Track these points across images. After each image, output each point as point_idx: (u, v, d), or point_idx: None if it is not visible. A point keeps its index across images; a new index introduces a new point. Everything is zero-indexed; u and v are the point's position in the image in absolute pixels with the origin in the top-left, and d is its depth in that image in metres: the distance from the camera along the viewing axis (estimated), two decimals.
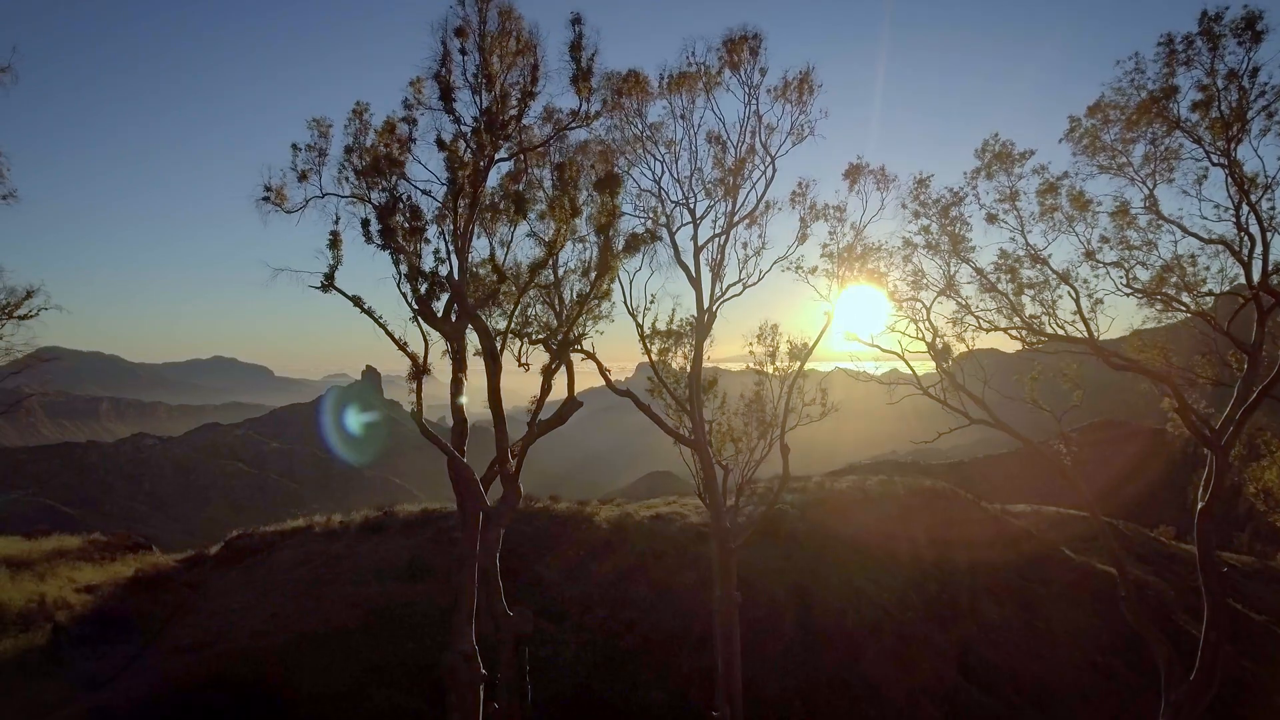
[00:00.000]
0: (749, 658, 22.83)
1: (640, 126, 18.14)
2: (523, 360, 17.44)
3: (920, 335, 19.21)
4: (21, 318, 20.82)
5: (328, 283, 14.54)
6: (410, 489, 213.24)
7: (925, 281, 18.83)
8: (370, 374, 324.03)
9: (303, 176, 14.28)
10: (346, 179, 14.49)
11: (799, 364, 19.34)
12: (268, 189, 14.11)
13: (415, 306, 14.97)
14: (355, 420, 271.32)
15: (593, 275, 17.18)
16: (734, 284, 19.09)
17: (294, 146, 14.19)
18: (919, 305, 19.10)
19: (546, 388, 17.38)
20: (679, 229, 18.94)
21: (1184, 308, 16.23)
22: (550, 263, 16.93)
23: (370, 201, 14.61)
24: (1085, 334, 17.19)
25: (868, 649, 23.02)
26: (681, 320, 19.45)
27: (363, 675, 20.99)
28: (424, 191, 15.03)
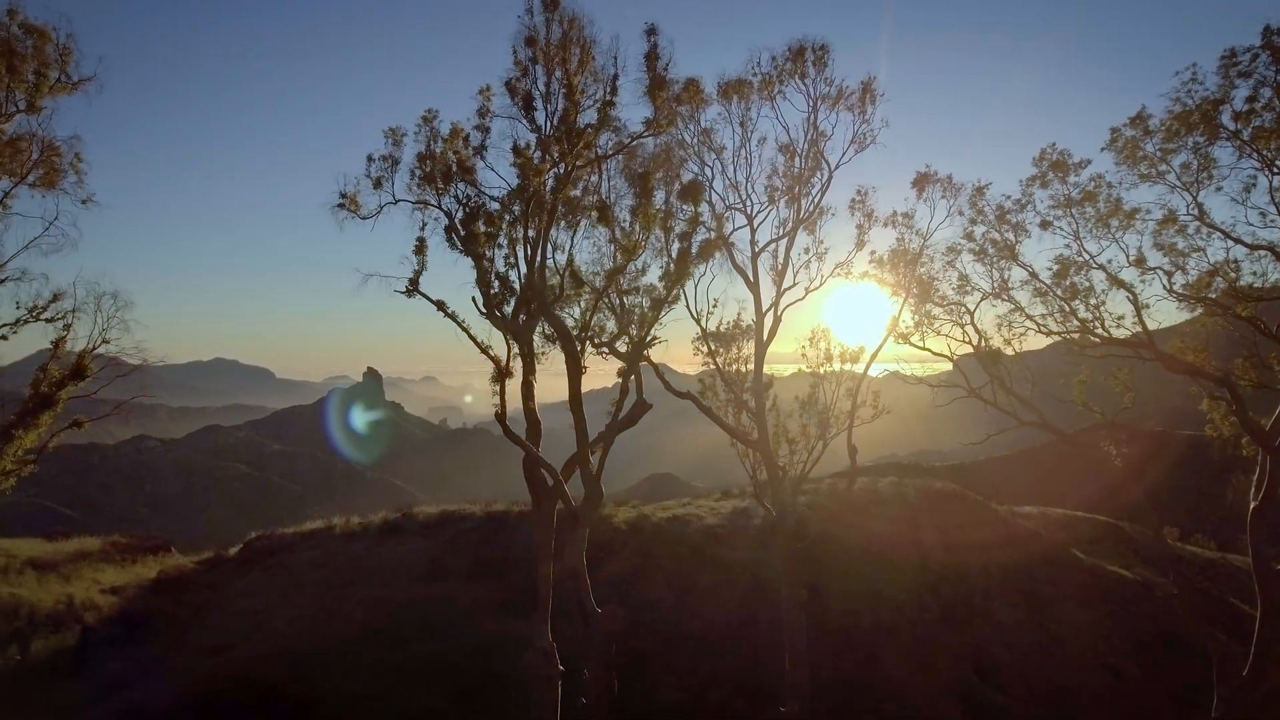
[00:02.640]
0: (768, 659, 23.09)
1: (693, 133, 18.28)
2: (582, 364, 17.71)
3: (966, 339, 19.61)
4: (49, 320, 21.11)
5: (412, 287, 14.90)
6: (411, 491, 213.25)
7: (970, 286, 19.26)
8: (372, 375, 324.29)
9: (377, 184, 14.65)
10: (417, 185, 14.84)
11: (865, 367, 19.61)
12: (343, 196, 14.46)
13: (484, 309, 15.31)
14: (361, 419, 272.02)
15: (662, 280, 17.45)
16: (790, 287, 19.22)
17: (369, 157, 14.61)
18: (963, 309, 19.51)
19: (625, 390, 17.62)
20: (732, 233, 19.06)
21: (1229, 312, 16.50)
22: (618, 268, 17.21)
23: (441, 208, 14.96)
24: (1131, 337, 17.57)
25: (885, 650, 23.28)
26: (731, 323, 19.61)
27: (387, 676, 21.23)
28: (492, 198, 15.37)
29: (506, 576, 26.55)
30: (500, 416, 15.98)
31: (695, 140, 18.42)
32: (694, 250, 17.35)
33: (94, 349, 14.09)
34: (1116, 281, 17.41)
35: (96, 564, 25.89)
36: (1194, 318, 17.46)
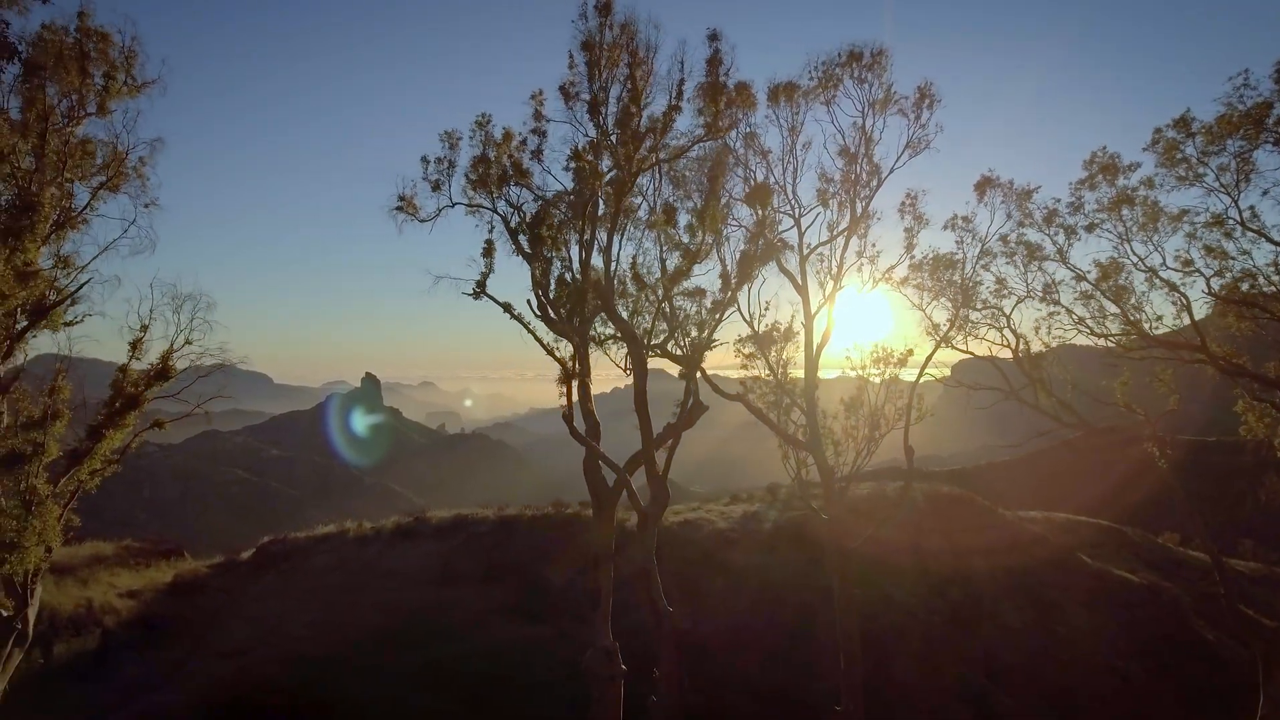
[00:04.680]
0: (781, 662, 23.32)
1: (735, 136, 18.15)
2: (626, 367, 17.90)
3: (1004, 342, 19.91)
4: (67, 324, 21.19)
5: (479, 290, 15.13)
6: (409, 496, 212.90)
7: (1007, 290, 19.57)
8: (370, 380, 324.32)
9: (435, 186, 14.88)
10: (472, 188, 15.05)
11: (920, 370, 19.63)
12: (401, 199, 14.69)
13: (539, 311, 15.55)
14: (361, 421, 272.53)
15: (721, 283, 17.63)
16: (838, 290, 19.03)
17: (424, 159, 14.82)
18: (999, 313, 19.85)
19: (689, 392, 17.74)
20: (777, 236, 18.88)
21: (1274, 316, 16.78)
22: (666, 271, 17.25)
23: (498, 211, 15.22)
24: (1168, 336, 17.89)
25: (897, 653, 23.51)
26: (783, 327, 19.60)
27: (402, 680, 21.40)
28: (550, 201, 15.62)
29: (518, 581, 26.75)
30: (568, 417, 16.22)
31: (739, 144, 18.29)
32: (758, 253, 17.43)
33: (176, 350, 14.21)
34: (1168, 284, 17.70)
35: (112, 568, 26.00)
36: (1224, 320, 17.65)
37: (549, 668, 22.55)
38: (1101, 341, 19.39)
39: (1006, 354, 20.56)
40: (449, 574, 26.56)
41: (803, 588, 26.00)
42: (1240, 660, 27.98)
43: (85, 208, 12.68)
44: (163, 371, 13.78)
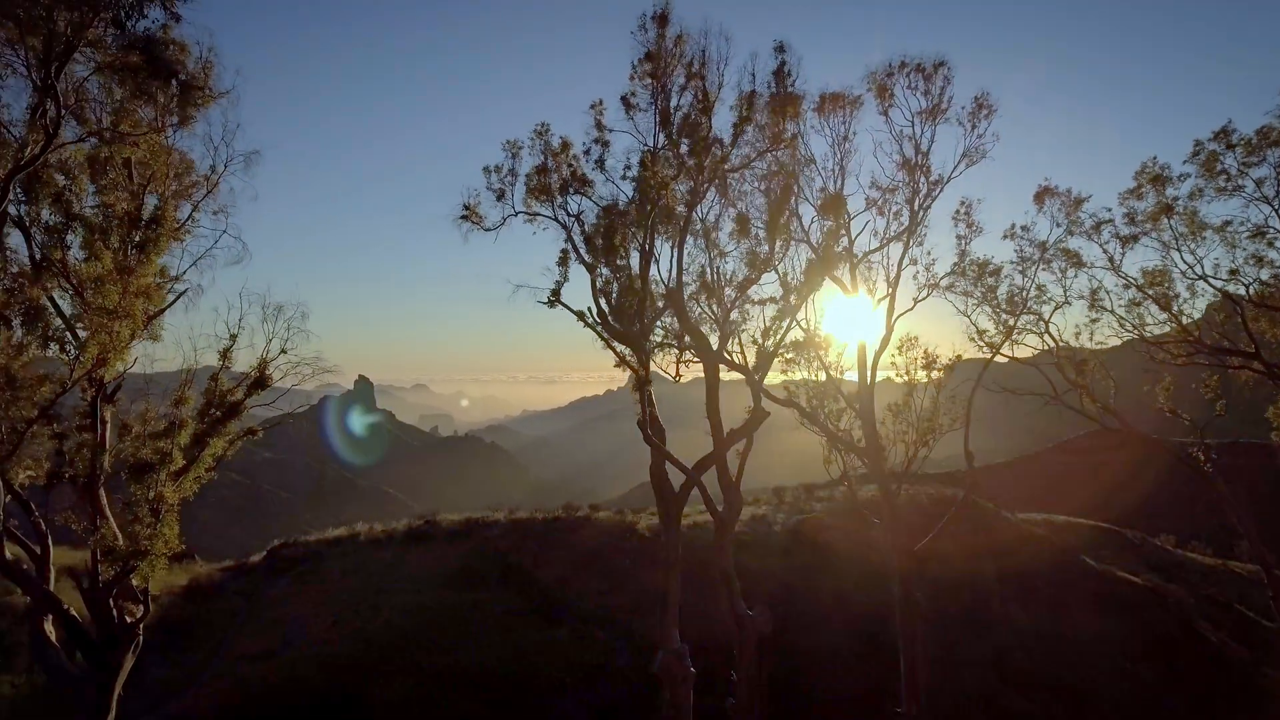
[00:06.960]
0: (799, 664, 23.55)
1: (780, 147, 18.05)
2: (678, 373, 18.13)
3: (1044, 346, 20.36)
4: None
5: (554, 298, 15.33)
6: (404, 499, 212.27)
7: (1046, 296, 20.05)
8: (363, 383, 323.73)
9: (500, 195, 15.08)
10: (531, 198, 15.26)
11: (979, 374, 20.00)
12: (466, 208, 14.86)
13: (598, 319, 15.76)
14: (359, 421, 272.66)
15: (783, 290, 17.87)
16: (884, 297, 19.12)
17: (486, 169, 15.07)
18: (1039, 319, 20.31)
19: (758, 398, 17.96)
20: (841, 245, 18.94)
21: None
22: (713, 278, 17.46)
23: (558, 220, 15.43)
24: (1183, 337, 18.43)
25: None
26: (820, 332, 19.72)
27: (428, 683, 21.50)
28: (610, 210, 15.82)
29: (534, 583, 26.89)
30: (642, 423, 16.43)
31: (784, 153, 18.12)
32: (823, 261, 17.67)
33: (271, 359, 14.36)
34: (1224, 293, 18.16)
35: None
36: (1256, 325, 18.13)
37: (569, 670, 22.71)
38: (1142, 343, 19.97)
39: (1028, 355, 21.12)
40: (465, 577, 26.67)
41: (817, 591, 26.27)
42: (1245, 662, 28.41)
43: (188, 219, 12.83)
44: (260, 380, 13.95)
